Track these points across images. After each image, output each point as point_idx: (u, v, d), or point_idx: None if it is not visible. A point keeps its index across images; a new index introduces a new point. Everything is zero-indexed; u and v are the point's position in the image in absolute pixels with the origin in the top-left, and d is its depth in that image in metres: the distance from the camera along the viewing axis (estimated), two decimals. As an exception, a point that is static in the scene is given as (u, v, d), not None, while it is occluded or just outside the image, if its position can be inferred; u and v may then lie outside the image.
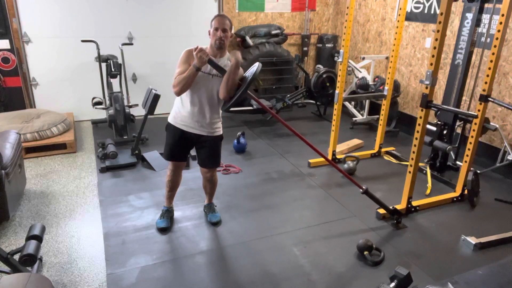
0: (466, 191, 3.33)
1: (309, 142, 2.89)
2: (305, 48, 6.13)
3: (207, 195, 3.05)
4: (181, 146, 2.76)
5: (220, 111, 2.75)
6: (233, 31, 5.99)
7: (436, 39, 2.61)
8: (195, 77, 2.49)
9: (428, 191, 3.52)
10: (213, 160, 2.81)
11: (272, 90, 5.97)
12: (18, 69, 4.75)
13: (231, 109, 5.17)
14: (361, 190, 2.87)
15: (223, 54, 2.61)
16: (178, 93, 2.56)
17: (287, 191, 3.50)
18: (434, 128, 3.77)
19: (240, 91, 2.48)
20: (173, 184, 2.89)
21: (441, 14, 2.55)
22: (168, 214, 2.92)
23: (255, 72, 2.48)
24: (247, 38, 5.44)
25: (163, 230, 2.83)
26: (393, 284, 2.17)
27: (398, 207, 3.09)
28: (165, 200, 2.97)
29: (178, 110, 2.70)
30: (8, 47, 4.65)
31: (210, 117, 2.67)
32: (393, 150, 4.34)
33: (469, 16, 3.40)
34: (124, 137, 4.40)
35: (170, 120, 2.75)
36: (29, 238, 2.19)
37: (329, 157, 4.07)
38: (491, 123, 3.54)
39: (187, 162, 3.83)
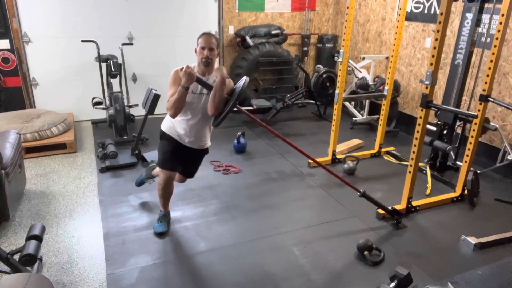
0: (466, 191, 3.33)
1: (297, 147, 2.91)
2: (305, 48, 6.13)
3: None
4: (176, 155, 2.76)
5: (211, 127, 2.80)
6: (233, 31, 5.98)
7: (436, 39, 2.61)
8: (185, 97, 2.54)
9: (428, 191, 3.52)
10: (195, 171, 2.96)
11: (272, 90, 5.97)
12: (18, 69, 4.75)
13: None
14: (358, 193, 2.88)
15: (211, 72, 2.66)
16: (174, 116, 2.60)
17: (287, 191, 3.50)
18: (434, 128, 3.77)
19: (228, 107, 2.52)
20: (166, 195, 2.86)
21: (441, 14, 2.55)
22: (165, 218, 2.90)
23: (242, 86, 2.53)
24: (247, 38, 5.44)
25: (160, 235, 2.82)
26: (393, 284, 2.17)
27: (398, 207, 3.09)
28: (161, 206, 2.93)
29: (172, 125, 2.74)
30: (8, 47, 4.65)
31: (202, 134, 2.76)
32: (393, 150, 4.34)
33: (469, 16, 3.40)
34: (124, 137, 4.40)
35: (165, 130, 2.77)
36: (29, 238, 2.19)
37: (329, 157, 4.07)
38: (491, 123, 3.54)
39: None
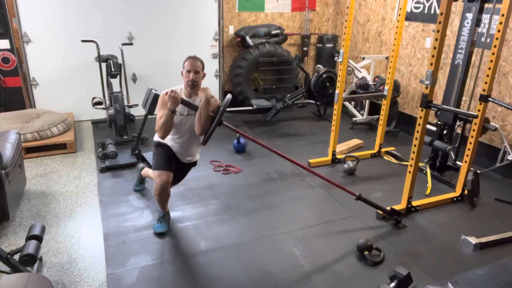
0: (466, 191, 3.33)
1: (286, 156, 2.98)
2: (305, 48, 6.13)
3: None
4: (171, 157, 2.87)
5: (200, 145, 2.93)
6: (233, 31, 5.98)
7: (436, 39, 2.61)
8: (173, 119, 2.68)
9: (428, 191, 3.52)
10: (181, 179, 3.04)
11: (272, 90, 5.97)
12: (18, 69, 4.75)
13: (231, 109, 5.19)
14: (354, 197, 2.88)
15: (197, 93, 2.77)
16: (163, 137, 2.77)
17: (287, 191, 3.50)
18: (434, 128, 3.77)
19: (213, 124, 2.65)
20: (164, 199, 2.86)
21: (441, 14, 2.55)
22: (164, 218, 2.90)
23: (225, 105, 2.66)
24: (247, 38, 5.44)
25: (160, 235, 2.82)
26: (393, 284, 2.17)
27: (398, 207, 3.09)
28: (160, 207, 2.92)
29: (163, 140, 2.89)
30: (8, 47, 4.65)
31: (191, 152, 2.93)
32: (393, 150, 4.34)
33: (469, 16, 3.40)
34: (124, 137, 4.40)
35: (158, 140, 2.91)
36: (29, 238, 2.19)
37: (329, 157, 4.07)
38: (491, 123, 3.54)
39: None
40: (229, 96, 2.70)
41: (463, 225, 3.04)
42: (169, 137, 2.83)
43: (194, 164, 3.04)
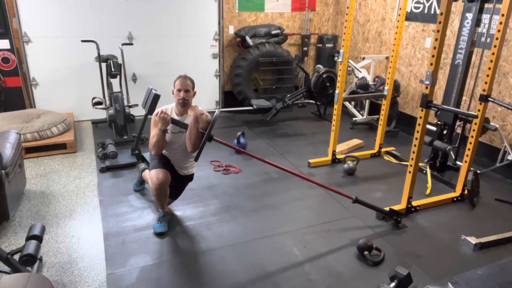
0: (466, 191, 3.33)
1: (275, 164, 2.95)
2: (305, 48, 6.13)
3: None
4: (169, 163, 2.95)
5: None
6: (233, 31, 6.00)
7: (436, 39, 2.61)
8: (164, 138, 2.80)
9: (428, 191, 3.52)
10: (179, 193, 3.14)
11: (272, 90, 5.97)
12: (18, 69, 4.75)
13: (231, 109, 5.20)
14: (351, 200, 2.88)
15: (187, 111, 2.89)
16: (157, 154, 2.90)
17: (287, 191, 3.50)
18: (434, 128, 3.77)
19: (203, 141, 2.69)
20: (162, 199, 2.86)
21: (441, 14, 2.55)
22: (164, 218, 2.90)
23: (213, 120, 2.70)
24: (247, 38, 5.44)
25: (160, 235, 2.82)
26: (393, 284, 2.17)
27: (398, 207, 3.09)
28: (159, 207, 2.93)
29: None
30: (8, 47, 4.65)
31: (185, 166, 3.01)
32: (393, 150, 4.34)
33: (469, 16, 3.40)
34: (124, 137, 4.40)
35: None
36: (29, 238, 2.19)
37: (329, 157, 4.07)
38: (491, 123, 3.54)
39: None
40: (217, 112, 2.76)
41: (463, 225, 3.04)
42: (165, 156, 2.96)
43: (190, 178, 3.11)
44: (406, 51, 4.88)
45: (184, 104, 2.83)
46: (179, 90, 2.80)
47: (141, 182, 3.44)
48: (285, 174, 3.82)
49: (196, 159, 2.76)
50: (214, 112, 2.77)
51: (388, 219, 3.06)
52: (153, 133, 2.81)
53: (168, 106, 2.94)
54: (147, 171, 3.30)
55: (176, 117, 2.88)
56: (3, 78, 4.70)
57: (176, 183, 3.01)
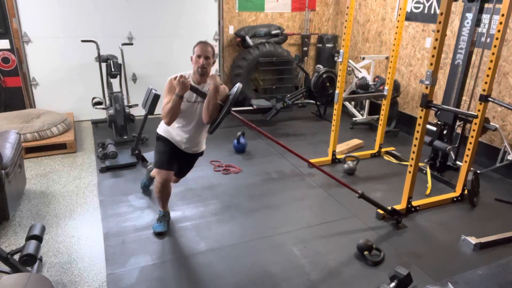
0: (466, 191, 3.33)
1: (293, 151, 2.98)
2: (305, 48, 6.13)
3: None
4: (172, 155, 2.79)
5: (206, 134, 2.86)
6: (233, 31, 5.99)
7: (436, 39, 2.61)
8: (180, 105, 2.58)
9: (428, 191, 3.52)
10: (188, 171, 3.04)
11: (272, 90, 5.97)
12: (18, 69, 4.75)
13: (231, 109, 5.18)
14: (357, 194, 2.88)
15: (206, 80, 2.68)
16: (169, 124, 2.65)
17: (287, 191, 3.50)
18: (434, 128, 3.77)
19: (222, 114, 2.57)
20: (165, 197, 2.85)
21: (441, 14, 2.55)
22: (164, 218, 2.89)
23: (236, 93, 2.58)
24: (247, 38, 5.44)
25: (160, 235, 2.81)
26: (393, 284, 2.17)
27: (398, 207, 3.09)
28: (160, 206, 2.92)
29: (167, 129, 2.79)
30: (8, 47, 4.65)
31: (197, 140, 2.84)
32: (393, 150, 4.34)
33: (469, 16, 3.40)
34: (124, 137, 4.40)
35: (161, 132, 2.82)
36: (29, 238, 2.19)
37: (329, 157, 4.07)
38: (491, 123, 3.54)
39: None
40: (239, 84, 2.61)
41: (463, 225, 3.04)
42: (174, 125, 2.73)
43: (200, 154, 2.95)
44: (406, 51, 4.88)
45: (203, 73, 2.60)
46: (198, 56, 2.57)
47: (150, 179, 3.33)
48: (285, 174, 3.82)
49: (211, 132, 2.63)
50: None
51: (388, 219, 3.06)
52: (167, 99, 2.59)
53: (186, 73, 2.70)
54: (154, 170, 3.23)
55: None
56: (3, 78, 4.70)
57: (185, 163, 2.92)
